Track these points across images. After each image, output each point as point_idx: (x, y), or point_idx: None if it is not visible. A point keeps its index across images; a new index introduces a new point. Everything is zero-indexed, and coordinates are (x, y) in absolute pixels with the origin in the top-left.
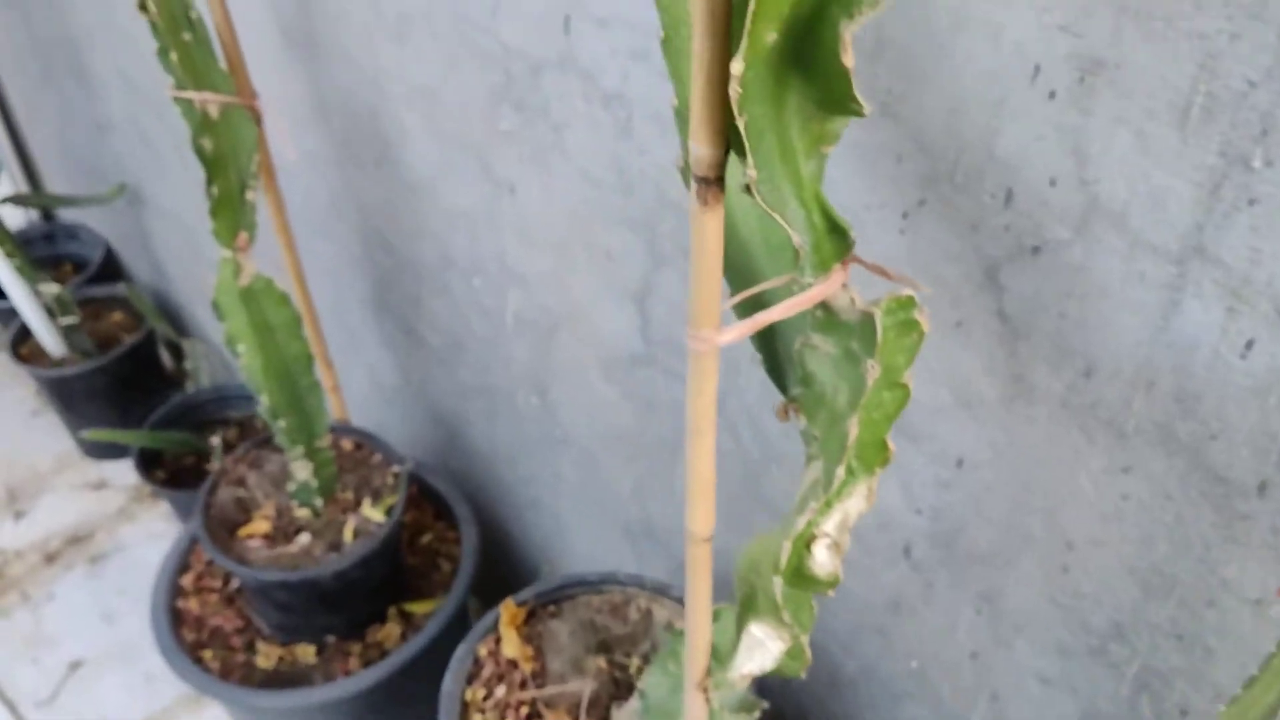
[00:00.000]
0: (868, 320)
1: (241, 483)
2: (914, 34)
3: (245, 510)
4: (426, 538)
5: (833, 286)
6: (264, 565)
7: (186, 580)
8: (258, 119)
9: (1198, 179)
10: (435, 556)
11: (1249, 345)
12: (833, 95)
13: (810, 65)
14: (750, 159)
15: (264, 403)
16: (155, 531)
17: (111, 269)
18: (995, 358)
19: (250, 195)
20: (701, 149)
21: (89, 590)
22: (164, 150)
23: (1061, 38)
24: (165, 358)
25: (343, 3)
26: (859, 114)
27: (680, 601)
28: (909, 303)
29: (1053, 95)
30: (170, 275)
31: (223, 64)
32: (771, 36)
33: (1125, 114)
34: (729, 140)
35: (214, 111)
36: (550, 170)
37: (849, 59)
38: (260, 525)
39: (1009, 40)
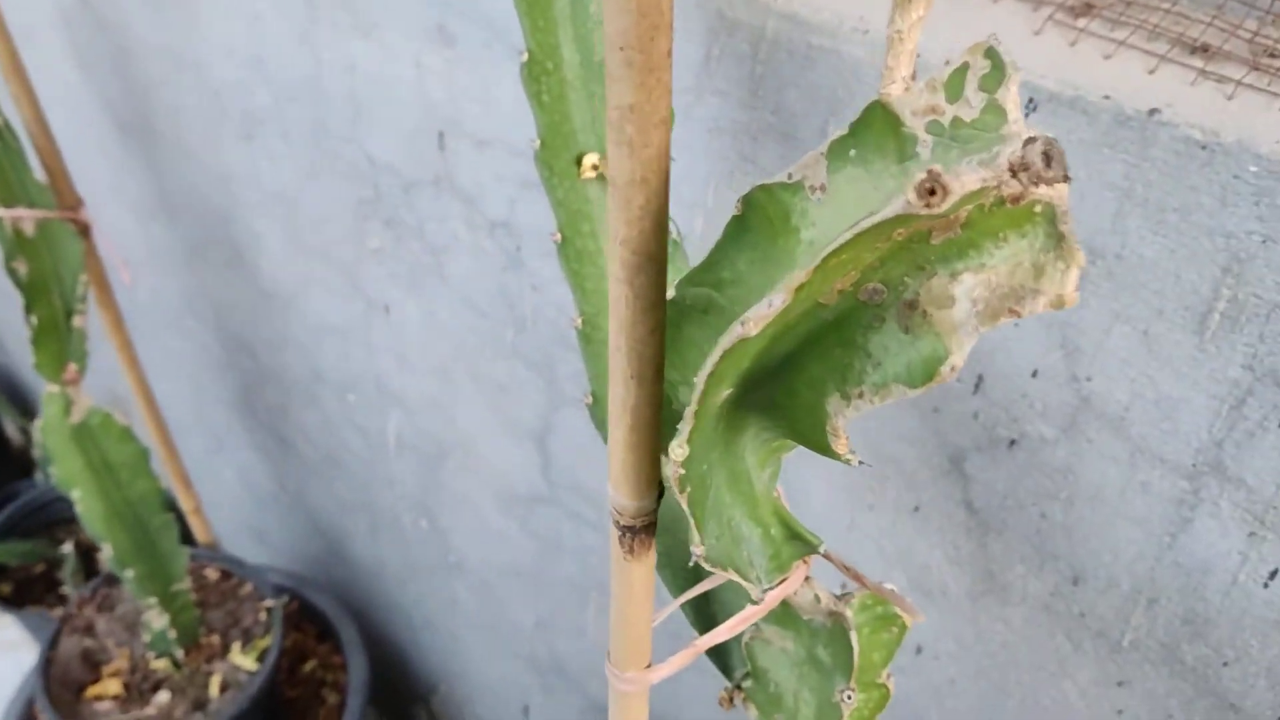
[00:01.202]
0: (839, 627)
1: (89, 630)
2: None
3: (94, 665)
4: (309, 665)
5: (793, 585)
6: None
7: None
8: (84, 231)
9: (1217, 391)
10: (319, 687)
11: (1273, 575)
12: (808, 442)
13: (774, 409)
14: (696, 534)
15: (108, 553)
16: (8, 640)
17: None
18: (961, 549)
19: (79, 321)
20: (625, 501)
21: None
22: None
23: None
24: (14, 433)
25: (180, 96)
26: (848, 463)
27: None
28: (883, 599)
29: None
30: (12, 350)
31: (40, 173)
32: (725, 394)
33: (1127, 311)
34: (662, 487)
35: (29, 229)
36: (429, 294)
37: (842, 446)
38: (110, 685)
39: None
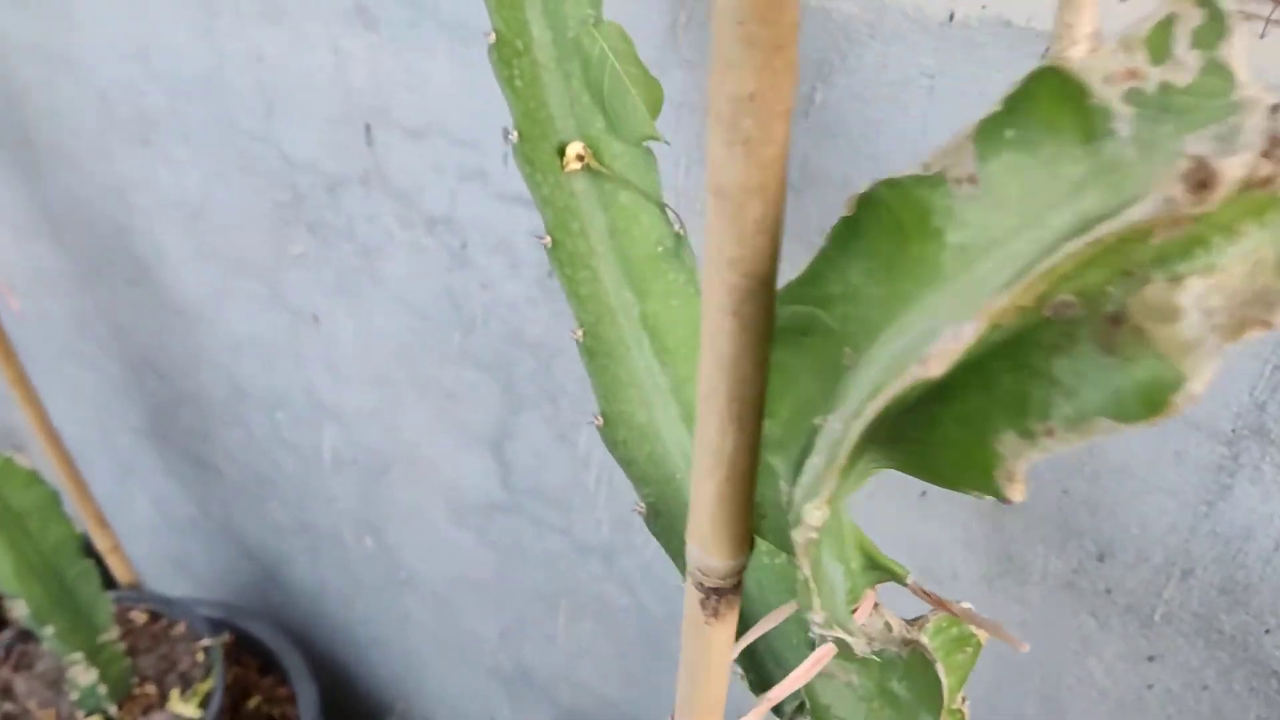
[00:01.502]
0: (917, 657)
1: (7, 692)
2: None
3: None
4: (254, 701)
5: (862, 615)
6: None
7: None
8: None
9: (1260, 351)
10: None
11: None
12: (947, 481)
13: (901, 443)
14: (817, 601)
15: (23, 610)
16: None
17: None
18: (973, 532)
19: None
20: (715, 562)
21: None
22: None
23: None
24: None
25: (58, 99)
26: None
27: None
28: (957, 620)
29: None
30: None
31: None
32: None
33: None
34: (754, 541)
35: None
36: (363, 300)
37: (1018, 493)
38: None
39: None
